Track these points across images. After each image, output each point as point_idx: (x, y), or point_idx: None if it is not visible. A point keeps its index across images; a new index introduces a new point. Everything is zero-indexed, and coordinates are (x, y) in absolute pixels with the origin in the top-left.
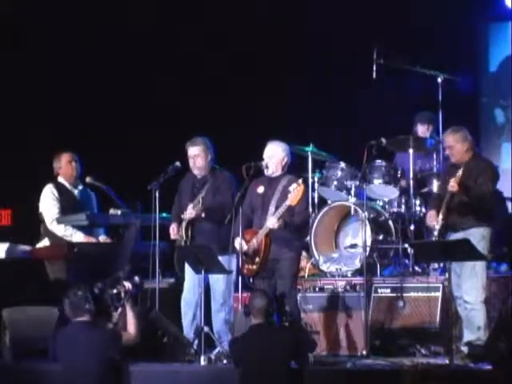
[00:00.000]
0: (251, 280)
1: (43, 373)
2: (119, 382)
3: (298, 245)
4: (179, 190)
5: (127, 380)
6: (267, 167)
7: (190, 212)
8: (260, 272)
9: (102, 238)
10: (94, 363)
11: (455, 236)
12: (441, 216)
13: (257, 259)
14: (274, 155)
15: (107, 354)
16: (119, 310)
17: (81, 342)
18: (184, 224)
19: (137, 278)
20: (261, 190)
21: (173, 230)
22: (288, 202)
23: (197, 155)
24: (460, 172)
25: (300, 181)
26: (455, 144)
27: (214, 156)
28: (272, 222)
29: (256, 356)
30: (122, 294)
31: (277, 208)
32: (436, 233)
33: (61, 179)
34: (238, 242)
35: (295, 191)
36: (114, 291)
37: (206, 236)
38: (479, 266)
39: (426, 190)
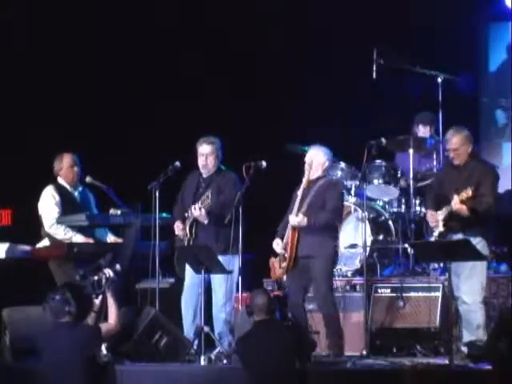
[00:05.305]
0: (284, 279)
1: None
2: (105, 381)
3: (331, 243)
4: (182, 189)
5: (113, 379)
6: (307, 170)
7: (198, 208)
8: (291, 269)
9: (111, 239)
10: (77, 362)
11: (455, 237)
12: (441, 223)
13: (286, 255)
14: (316, 158)
15: (89, 351)
16: (100, 297)
17: (62, 342)
18: (188, 222)
19: (118, 266)
20: (300, 192)
21: (177, 227)
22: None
23: (209, 154)
24: (469, 192)
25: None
26: (460, 146)
27: (222, 157)
28: (292, 217)
29: (260, 354)
30: (103, 281)
31: (309, 207)
32: (436, 233)
33: (61, 180)
34: (277, 243)
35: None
36: (96, 278)
37: (209, 234)
38: (478, 266)
39: (424, 183)
